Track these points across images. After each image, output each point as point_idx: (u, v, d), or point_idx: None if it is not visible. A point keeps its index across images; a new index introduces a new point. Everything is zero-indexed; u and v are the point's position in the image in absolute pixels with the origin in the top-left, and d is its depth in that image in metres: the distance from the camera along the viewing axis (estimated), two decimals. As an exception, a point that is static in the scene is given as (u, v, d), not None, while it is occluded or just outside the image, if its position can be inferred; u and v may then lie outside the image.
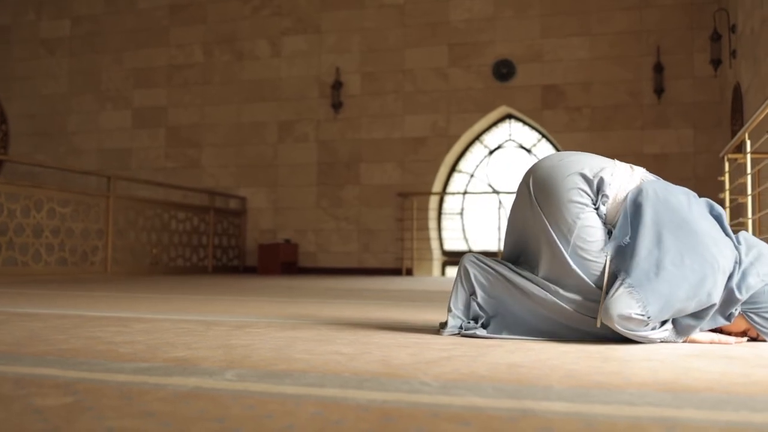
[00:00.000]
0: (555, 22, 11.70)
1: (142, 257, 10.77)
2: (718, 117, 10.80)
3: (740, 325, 2.45)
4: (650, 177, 2.60)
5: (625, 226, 2.43)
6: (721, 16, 10.24)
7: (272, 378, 1.70)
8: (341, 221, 12.55)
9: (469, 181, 12.52)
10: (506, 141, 12.35)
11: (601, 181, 2.47)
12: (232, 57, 13.39)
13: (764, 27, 7.46)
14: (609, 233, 2.47)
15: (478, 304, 2.64)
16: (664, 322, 2.37)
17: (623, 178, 2.52)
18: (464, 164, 12.53)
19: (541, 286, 2.50)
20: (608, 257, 2.42)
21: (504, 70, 11.86)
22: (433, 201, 12.40)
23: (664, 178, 2.66)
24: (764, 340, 2.45)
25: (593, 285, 2.42)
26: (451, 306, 2.68)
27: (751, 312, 2.39)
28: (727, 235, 2.45)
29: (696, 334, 2.45)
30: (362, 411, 1.35)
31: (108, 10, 14.25)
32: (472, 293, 2.65)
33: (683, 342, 2.44)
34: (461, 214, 12.64)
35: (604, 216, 2.48)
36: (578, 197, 2.46)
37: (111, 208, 9.91)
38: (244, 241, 13.11)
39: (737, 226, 7.19)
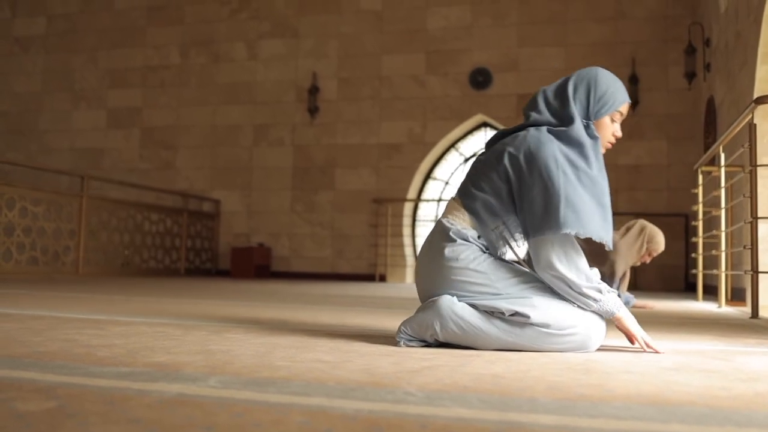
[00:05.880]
0: (531, 31, 11.77)
1: (114, 258, 10.69)
2: (692, 130, 10.91)
3: None
4: None
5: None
6: (696, 29, 10.35)
7: (256, 386, 1.69)
8: (315, 226, 12.52)
9: (444, 189, 12.54)
10: (481, 149, 12.37)
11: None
12: (209, 59, 13.33)
13: (738, 41, 7.55)
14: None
15: (436, 340, 2.55)
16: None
17: None
18: (439, 171, 12.55)
19: (515, 324, 2.45)
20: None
21: (480, 79, 11.91)
22: (408, 207, 12.41)
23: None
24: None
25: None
26: (409, 332, 2.57)
27: None
28: None
29: (629, 322, 2.54)
30: (350, 420, 1.34)
31: (84, 8, 14.14)
32: (435, 341, 2.54)
33: (612, 319, 2.54)
34: (435, 221, 12.63)
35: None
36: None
37: (84, 209, 9.83)
38: (217, 244, 13.04)
39: (711, 238, 7.27)
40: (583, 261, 2.49)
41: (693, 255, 7.47)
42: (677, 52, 10.97)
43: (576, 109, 2.60)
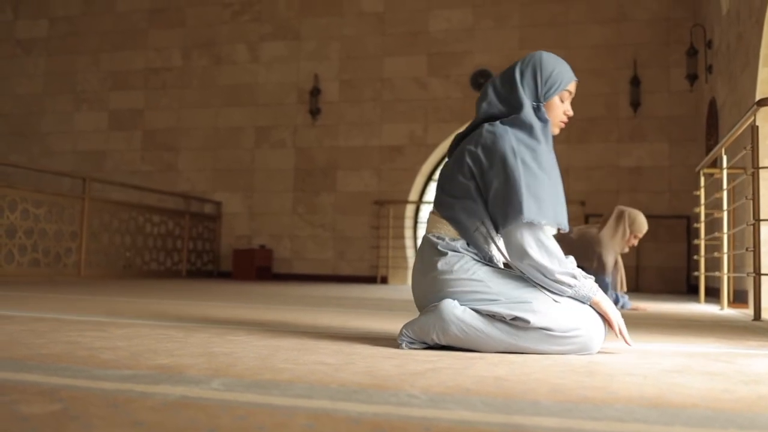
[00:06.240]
0: (533, 33, 11.77)
1: (116, 260, 10.70)
2: (694, 131, 10.90)
3: None
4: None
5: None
6: (698, 31, 10.35)
7: (259, 388, 1.69)
8: (317, 228, 12.52)
9: (445, 191, 12.52)
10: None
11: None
12: (211, 61, 13.34)
13: (740, 43, 7.55)
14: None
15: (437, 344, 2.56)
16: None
17: None
18: (441, 173, 12.52)
19: (518, 327, 2.46)
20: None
21: (482, 81, 11.89)
22: (410, 210, 12.41)
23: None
24: None
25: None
26: (411, 334, 2.57)
27: None
28: None
29: (607, 305, 2.54)
30: (353, 423, 1.34)
31: (86, 11, 14.16)
32: (436, 345, 2.55)
33: (590, 304, 2.54)
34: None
35: None
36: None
37: (86, 211, 9.84)
38: (218, 246, 13.05)
39: (713, 240, 7.28)
40: (554, 245, 2.52)
41: (695, 257, 7.47)
42: (679, 54, 10.97)
43: (525, 94, 2.66)
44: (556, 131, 2.74)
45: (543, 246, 2.49)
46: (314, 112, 12.56)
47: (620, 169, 11.13)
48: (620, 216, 6.02)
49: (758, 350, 2.84)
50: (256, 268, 12.02)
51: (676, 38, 11.10)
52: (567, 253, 2.65)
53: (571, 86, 2.73)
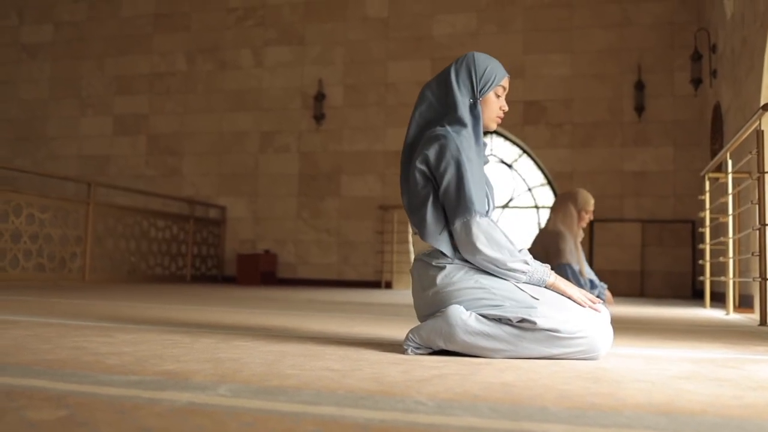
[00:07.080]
0: (537, 38, 11.77)
1: (121, 265, 10.70)
2: (698, 136, 10.89)
3: None
4: None
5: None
6: (702, 35, 10.34)
7: (266, 394, 1.69)
8: (321, 233, 12.52)
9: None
10: (488, 156, 12.34)
11: None
12: (215, 66, 13.36)
13: (745, 47, 7.54)
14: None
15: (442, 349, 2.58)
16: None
17: None
18: (445, 178, 12.51)
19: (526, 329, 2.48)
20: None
21: (486, 85, 11.88)
22: (414, 214, 12.37)
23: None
24: None
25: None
26: (417, 340, 2.58)
27: None
28: None
29: (565, 285, 2.60)
30: (361, 430, 1.34)
31: (91, 16, 14.18)
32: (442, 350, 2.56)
33: (546, 287, 2.60)
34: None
35: None
36: None
37: (90, 215, 9.84)
38: (223, 251, 13.05)
39: (718, 245, 7.26)
40: (501, 236, 2.57)
41: (700, 262, 7.45)
42: (683, 58, 10.96)
43: (461, 93, 2.76)
44: (494, 126, 2.87)
45: (492, 239, 2.54)
46: (318, 117, 12.57)
47: (624, 174, 11.11)
48: (563, 201, 6.03)
49: (766, 356, 2.83)
50: (261, 272, 12.03)
51: (681, 42, 11.09)
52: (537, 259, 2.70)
53: (505, 82, 2.84)
